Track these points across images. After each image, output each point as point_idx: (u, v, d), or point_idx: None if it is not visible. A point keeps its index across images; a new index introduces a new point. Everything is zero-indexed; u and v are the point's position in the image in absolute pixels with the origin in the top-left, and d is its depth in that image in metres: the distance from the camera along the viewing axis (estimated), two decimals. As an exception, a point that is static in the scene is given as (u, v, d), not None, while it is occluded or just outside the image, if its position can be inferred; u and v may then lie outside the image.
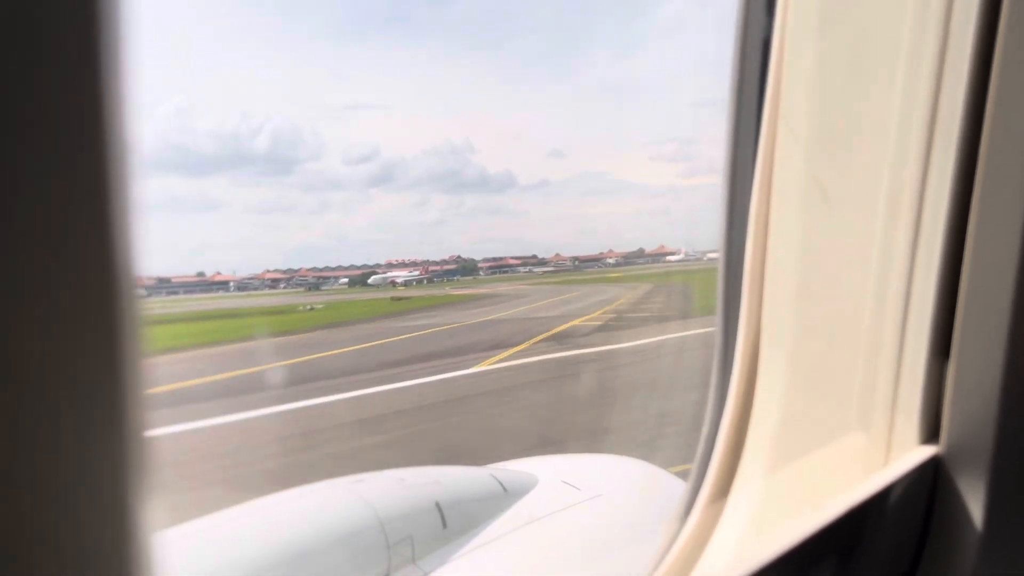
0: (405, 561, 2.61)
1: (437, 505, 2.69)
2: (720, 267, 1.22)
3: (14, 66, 0.32)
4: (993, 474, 0.99)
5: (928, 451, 1.04)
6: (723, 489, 1.15)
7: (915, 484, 1.02)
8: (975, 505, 1.00)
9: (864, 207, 1.10)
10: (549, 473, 3.04)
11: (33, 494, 0.35)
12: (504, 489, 2.84)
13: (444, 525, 2.69)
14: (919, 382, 1.06)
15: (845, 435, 1.11)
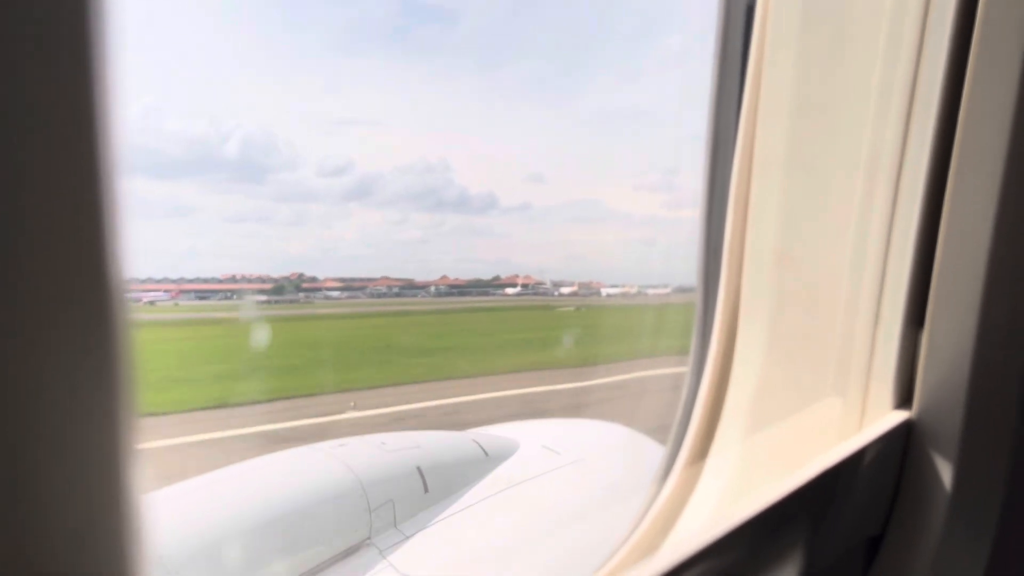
0: (387, 525, 2.64)
1: (419, 469, 2.72)
2: (700, 235, 1.22)
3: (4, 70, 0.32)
4: (963, 438, 1.02)
5: (901, 416, 1.06)
6: (701, 452, 1.17)
7: (888, 447, 1.05)
8: (945, 467, 1.03)
9: (842, 178, 1.11)
10: (530, 438, 3.07)
11: (27, 490, 0.36)
12: (485, 453, 2.87)
13: (425, 489, 2.72)
14: (894, 349, 1.07)
15: (821, 400, 1.13)
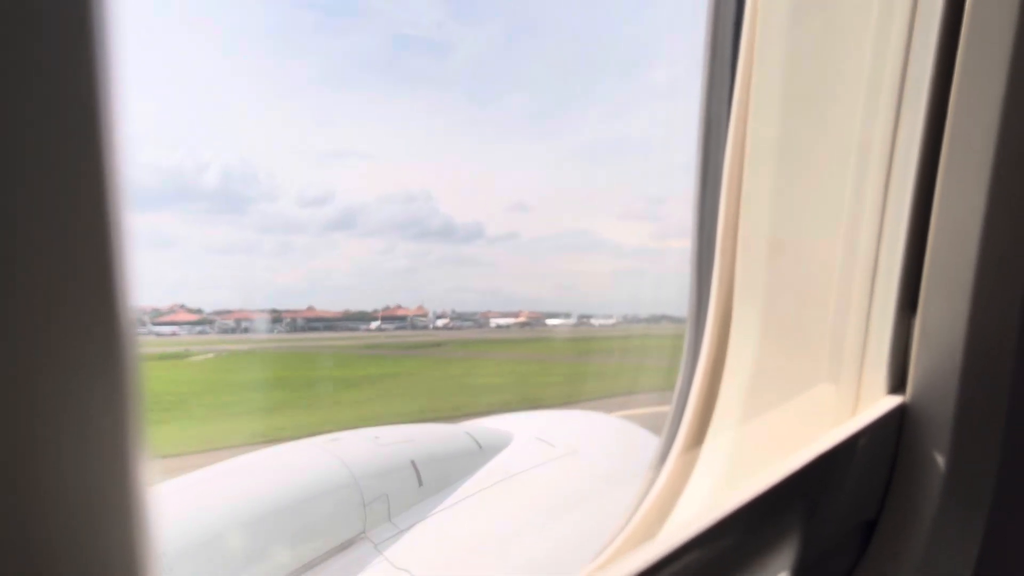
0: (381, 519, 2.64)
1: (412, 463, 2.72)
2: (693, 224, 1.22)
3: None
4: (956, 422, 1.03)
5: (895, 401, 1.07)
6: (697, 439, 1.18)
7: (882, 432, 1.06)
8: (939, 451, 1.04)
9: (835, 166, 1.11)
10: (524, 430, 3.08)
11: (31, 492, 0.36)
12: (479, 446, 2.88)
13: (420, 483, 2.72)
14: (887, 335, 1.08)
15: (815, 387, 1.14)
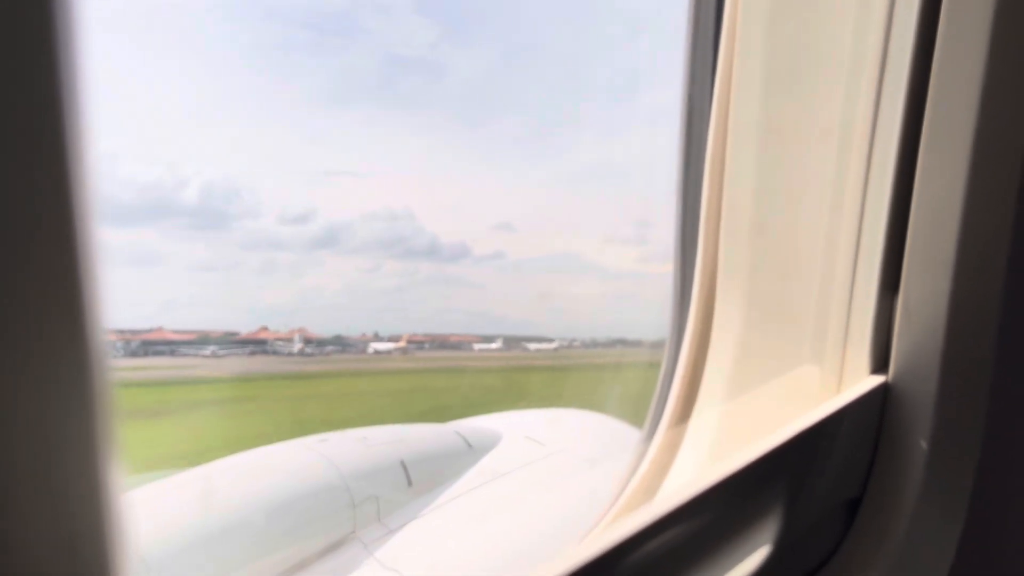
0: (371, 519, 2.63)
1: (402, 463, 2.71)
2: (677, 204, 1.23)
3: None
4: (938, 400, 1.04)
5: (878, 380, 1.08)
6: (682, 418, 1.18)
7: (865, 411, 1.06)
8: (921, 430, 1.05)
9: (817, 146, 1.12)
10: (513, 429, 3.08)
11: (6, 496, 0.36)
12: (469, 446, 2.87)
13: (409, 483, 2.71)
14: (869, 315, 1.09)
15: (799, 366, 1.14)
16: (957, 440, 1.05)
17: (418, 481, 2.77)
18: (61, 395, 0.37)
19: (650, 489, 1.11)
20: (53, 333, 0.36)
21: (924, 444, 1.04)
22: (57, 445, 0.37)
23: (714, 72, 1.16)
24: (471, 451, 2.89)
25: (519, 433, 3.04)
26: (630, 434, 3.20)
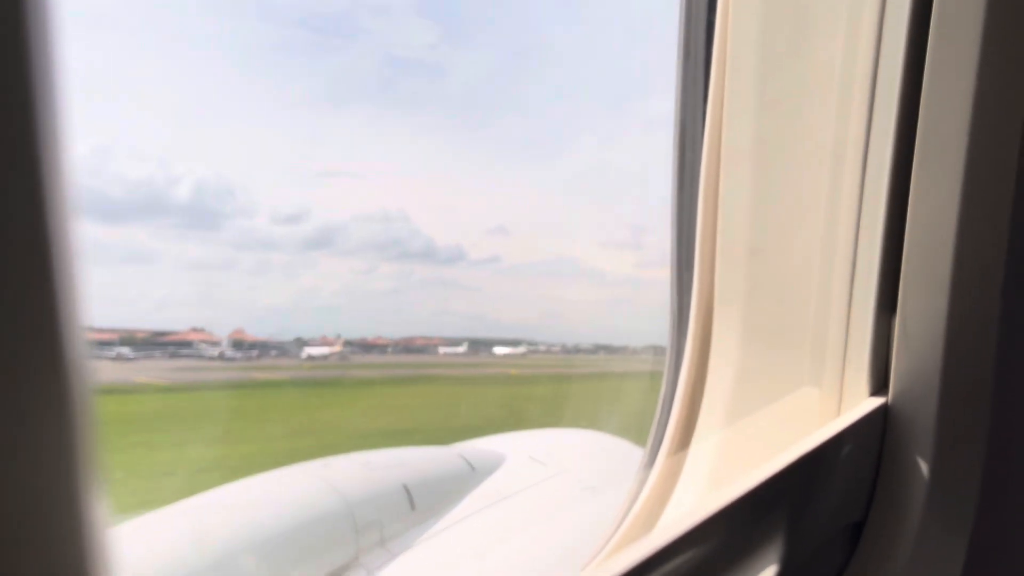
0: (374, 544, 2.61)
1: (405, 487, 2.69)
2: (672, 227, 1.23)
3: None
4: (939, 421, 1.03)
5: (877, 402, 1.07)
6: (683, 443, 1.17)
7: (865, 433, 1.05)
8: (923, 451, 1.04)
9: (810, 169, 1.12)
10: (516, 450, 3.06)
11: None
12: (472, 468, 2.86)
13: (412, 507, 2.69)
14: (867, 336, 1.09)
15: (798, 389, 1.14)
16: (959, 459, 1.04)
17: (421, 505, 2.75)
18: (38, 402, 0.37)
19: (651, 517, 1.10)
20: (29, 336, 0.36)
21: (926, 464, 1.04)
22: (36, 463, 0.37)
23: (706, 93, 1.17)
24: (474, 473, 2.87)
25: (522, 454, 3.02)
26: (632, 454, 3.18)
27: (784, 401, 1.14)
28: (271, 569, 2.40)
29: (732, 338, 1.17)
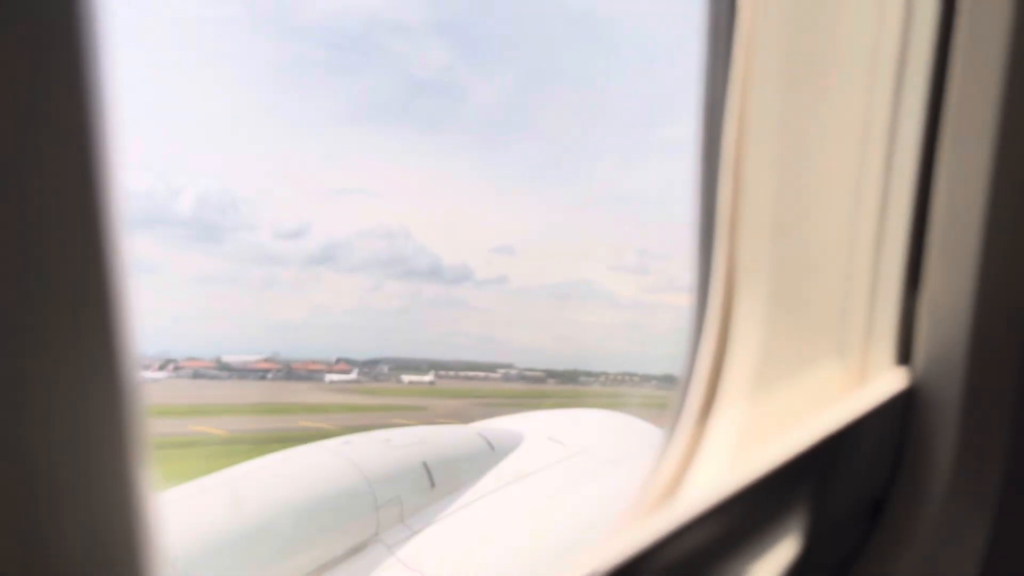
0: (394, 521, 2.65)
1: (424, 465, 2.72)
2: (696, 203, 1.23)
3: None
4: (964, 398, 1.02)
5: (901, 375, 1.07)
6: (704, 417, 1.18)
7: (889, 408, 1.05)
8: (947, 426, 1.04)
9: (836, 142, 1.11)
10: (535, 430, 3.08)
11: (38, 493, 0.37)
12: (491, 447, 2.88)
13: (432, 484, 2.72)
14: (892, 311, 1.08)
15: (821, 362, 1.14)
16: (984, 437, 1.04)
17: (440, 483, 2.78)
18: (92, 399, 0.38)
19: (672, 488, 1.11)
20: (84, 338, 0.37)
21: (950, 440, 1.03)
22: (89, 448, 0.38)
23: (730, 68, 1.16)
24: (493, 452, 2.89)
25: (541, 434, 3.04)
26: (649, 430, 3.19)
27: (807, 374, 1.14)
28: (294, 544, 2.44)
29: (755, 312, 1.17)
